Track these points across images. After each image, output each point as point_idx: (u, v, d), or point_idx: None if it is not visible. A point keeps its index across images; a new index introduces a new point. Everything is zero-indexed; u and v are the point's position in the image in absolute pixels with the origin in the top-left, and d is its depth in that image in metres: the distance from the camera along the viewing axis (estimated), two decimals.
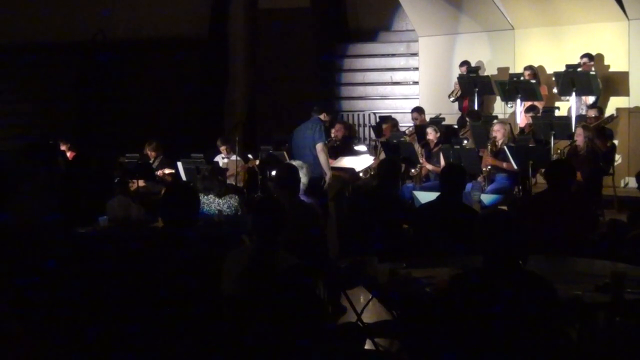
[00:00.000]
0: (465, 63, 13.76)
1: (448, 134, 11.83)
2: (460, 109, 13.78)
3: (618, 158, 11.84)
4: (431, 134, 11.42)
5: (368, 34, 16.88)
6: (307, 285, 4.36)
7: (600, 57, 12.42)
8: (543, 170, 9.41)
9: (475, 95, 12.96)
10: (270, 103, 16.21)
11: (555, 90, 12.09)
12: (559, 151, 10.38)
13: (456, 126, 12.54)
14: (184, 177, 10.97)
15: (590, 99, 11.93)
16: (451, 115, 13.63)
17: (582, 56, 12.05)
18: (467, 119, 11.97)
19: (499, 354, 3.86)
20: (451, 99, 13.82)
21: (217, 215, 7.61)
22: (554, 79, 11.96)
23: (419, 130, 12.13)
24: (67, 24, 15.63)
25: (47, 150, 7.62)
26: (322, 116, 9.45)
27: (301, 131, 9.44)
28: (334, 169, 10.80)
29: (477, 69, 13.64)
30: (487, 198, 9.42)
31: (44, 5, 15.78)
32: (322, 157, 9.58)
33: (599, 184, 9.99)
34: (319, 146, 9.33)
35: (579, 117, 11.35)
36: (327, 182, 9.80)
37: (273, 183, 7.95)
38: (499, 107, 13.42)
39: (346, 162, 10.57)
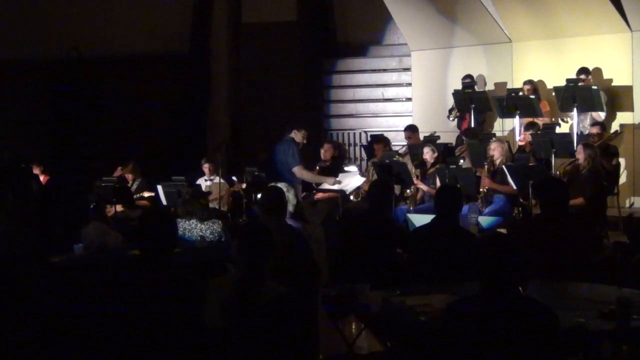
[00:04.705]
0: (468, 77, 13.60)
1: (445, 153, 11.81)
2: (459, 127, 13.63)
3: (623, 177, 11.86)
4: (428, 154, 11.37)
5: (358, 49, 16.92)
6: (295, 315, 4.36)
7: (602, 70, 12.42)
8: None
9: (472, 112, 12.94)
10: (256, 122, 16.21)
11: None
12: (559, 171, 10.40)
13: (452, 144, 12.52)
14: (164, 201, 10.95)
15: (602, 115, 11.83)
16: (447, 133, 13.58)
17: (579, 72, 11.94)
18: (463, 137, 11.95)
19: None
20: (450, 119, 13.73)
21: (200, 241, 7.59)
22: (554, 94, 11.99)
23: (413, 149, 12.14)
24: (39, 40, 15.60)
25: (18, 175, 7.61)
26: (293, 134, 9.58)
27: (275, 154, 9.67)
28: (321, 191, 10.84)
29: (472, 84, 13.58)
30: (485, 221, 9.43)
31: (14, 21, 15.76)
32: (305, 176, 9.73)
33: (603, 204, 10.00)
34: (296, 170, 9.51)
35: (586, 135, 11.34)
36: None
37: (258, 207, 7.95)
38: (500, 124, 13.44)
39: (328, 185, 10.62)
